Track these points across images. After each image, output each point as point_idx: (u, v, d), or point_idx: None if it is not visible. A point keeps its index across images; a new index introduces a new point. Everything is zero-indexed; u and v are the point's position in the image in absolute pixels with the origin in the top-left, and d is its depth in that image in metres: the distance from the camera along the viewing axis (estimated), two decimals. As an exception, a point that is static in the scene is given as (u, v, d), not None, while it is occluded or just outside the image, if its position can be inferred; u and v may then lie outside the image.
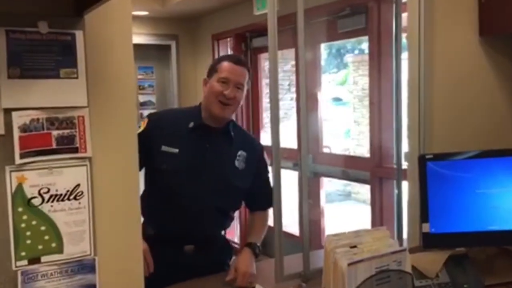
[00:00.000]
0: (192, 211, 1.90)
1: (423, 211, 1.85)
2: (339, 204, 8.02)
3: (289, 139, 4.20)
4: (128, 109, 1.43)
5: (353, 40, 8.15)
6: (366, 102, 5.99)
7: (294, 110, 5.18)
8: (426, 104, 2.01)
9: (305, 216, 1.88)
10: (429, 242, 1.85)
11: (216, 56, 5.23)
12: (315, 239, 4.14)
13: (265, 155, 2.10)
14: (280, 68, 6.33)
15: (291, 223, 4.00)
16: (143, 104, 5.63)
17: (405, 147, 2.18)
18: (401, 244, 2.04)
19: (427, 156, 1.85)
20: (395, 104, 2.24)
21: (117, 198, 1.42)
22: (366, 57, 4.22)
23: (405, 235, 2.20)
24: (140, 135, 1.91)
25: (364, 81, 7.48)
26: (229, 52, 5.16)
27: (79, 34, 1.32)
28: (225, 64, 1.92)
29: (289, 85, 6.24)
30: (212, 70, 1.95)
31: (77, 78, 1.32)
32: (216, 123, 1.94)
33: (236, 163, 1.96)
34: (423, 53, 1.98)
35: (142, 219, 1.54)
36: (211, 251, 1.98)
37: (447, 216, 1.85)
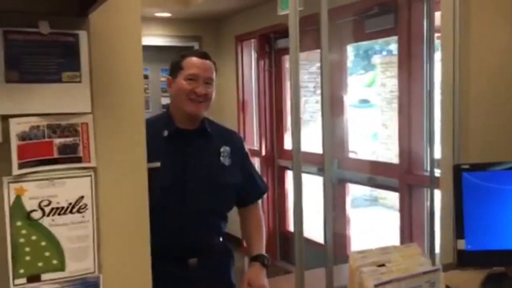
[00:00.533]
0: (189, 221, 1.81)
1: (458, 226, 1.71)
2: (366, 210, 7.81)
3: (314, 143, 4.06)
4: (136, 116, 1.33)
5: (380, 41, 7.96)
6: (394, 104, 5.80)
7: (320, 113, 5.00)
8: (461, 109, 1.88)
9: (329, 230, 1.75)
10: (464, 260, 1.71)
11: (240, 58, 5.14)
12: (340, 248, 3.99)
13: (246, 147, 2.02)
14: (305, 70, 6.15)
15: (315, 229, 3.87)
16: (165, 107, 5.57)
17: (437, 153, 2.04)
18: (434, 261, 1.90)
19: (463, 166, 1.71)
20: (428, 108, 2.10)
21: (124, 212, 1.32)
22: (394, 58, 4.05)
23: (437, 249, 2.05)
24: None
25: (392, 83, 7.27)
26: (253, 54, 5.06)
27: (83, 35, 1.22)
28: (191, 60, 1.81)
29: (314, 87, 6.11)
30: (177, 68, 1.83)
31: (80, 82, 1.22)
32: (190, 125, 1.84)
33: (222, 159, 1.87)
34: (458, 54, 1.86)
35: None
36: (213, 260, 1.89)
37: (485, 232, 1.71)
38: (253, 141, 5.15)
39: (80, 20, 1.21)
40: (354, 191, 7.08)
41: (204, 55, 1.84)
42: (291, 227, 4.72)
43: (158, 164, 1.74)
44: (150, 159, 1.75)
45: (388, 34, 3.48)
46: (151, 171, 1.73)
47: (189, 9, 4.73)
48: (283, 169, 4.70)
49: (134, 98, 1.32)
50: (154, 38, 5.18)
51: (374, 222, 6.82)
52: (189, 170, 1.81)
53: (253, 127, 5.13)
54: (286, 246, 4.72)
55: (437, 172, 2.07)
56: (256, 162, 5.00)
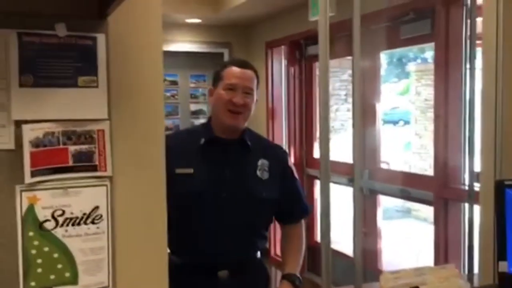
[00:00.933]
0: (221, 233, 1.74)
1: (500, 247, 1.58)
2: (398, 222, 7.59)
3: (344, 152, 3.94)
4: (155, 123, 1.27)
5: (415, 48, 7.76)
6: (429, 113, 5.62)
7: (351, 121, 4.88)
8: (504, 120, 1.75)
9: (358, 245, 1.64)
10: (507, 284, 1.57)
11: (270, 65, 5.07)
12: (371, 262, 3.85)
13: (290, 161, 1.94)
14: (336, 78, 6.06)
15: (346, 242, 3.74)
16: (194, 113, 5.54)
17: (476, 166, 1.91)
18: (472, 282, 1.77)
19: (507, 182, 1.58)
20: (467, 118, 1.96)
21: (140, 223, 1.26)
22: (430, 66, 3.91)
23: (476, 269, 1.91)
24: None
25: (427, 92, 7.07)
26: (283, 61, 4.99)
27: (101, 38, 1.17)
28: (231, 70, 1.77)
29: (346, 95, 5.99)
30: (217, 78, 1.80)
31: (97, 87, 1.17)
32: (229, 135, 1.79)
33: (258, 173, 1.79)
34: (502, 62, 1.72)
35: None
36: (246, 276, 1.81)
37: None
38: (282, 149, 5.06)
39: (98, 22, 1.16)
40: (386, 202, 6.90)
41: (244, 64, 1.80)
42: (319, 238, 4.60)
43: (190, 170, 1.72)
44: (184, 165, 1.74)
45: (424, 41, 3.34)
46: (183, 177, 1.72)
47: (219, 15, 4.69)
48: (312, 178, 4.59)
49: (153, 105, 1.26)
50: (184, 44, 5.16)
51: (406, 235, 6.61)
52: (223, 179, 1.75)
53: (282, 135, 5.04)
54: (314, 257, 4.60)
55: (476, 186, 1.94)
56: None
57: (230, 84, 1.74)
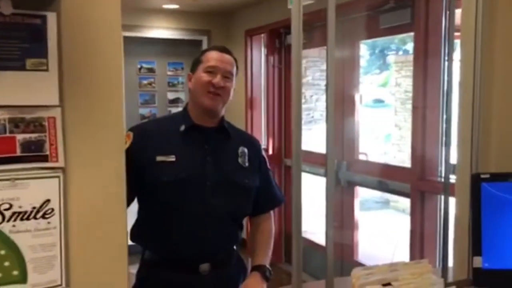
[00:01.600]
0: (205, 222, 1.68)
1: (475, 241, 1.55)
2: (376, 213, 7.61)
3: (322, 143, 3.89)
4: (114, 110, 1.18)
5: (397, 39, 7.73)
6: (409, 105, 5.60)
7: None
8: (483, 112, 1.71)
9: (329, 239, 1.58)
10: (481, 280, 1.55)
11: (249, 54, 4.98)
12: (347, 253, 3.83)
13: (263, 152, 1.90)
14: (317, 67, 5.97)
15: (321, 232, 3.71)
16: (172, 102, 5.43)
17: (453, 159, 1.87)
18: (446, 277, 1.73)
19: (483, 176, 1.54)
20: (445, 110, 1.92)
21: (97, 218, 1.18)
22: (410, 58, 3.86)
23: (451, 262, 1.87)
24: (127, 152, 1.69)
25: (407, 83, 7.07)
26: (263, 49, 4.91)
27: (51, 17, 1.07)
28: (211, 53, 1.76)
29: (326, 85, 5.92)
30: (197, 63, 1.77)
31: (47, 70, 1.08)
32: (208, 122, 1.74)
33: (239, 160, 1.76)
34: (480, 54, 1.69)
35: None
36: (227, 269, 1.76)
37: (505, 249, 1.56)
38: (261, 139, 5.00)
39: (48, 0, 1.06)
40: (365, 193, 6.90)
41: (224, 49, 1.77)
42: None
43: (173, 158, 1.67)
44: (166, 152, 1.68)
45: (403, 31, 3.30)
46: (165, 165, 1.66)
47: (198, 1, 4.58)
48: (290, 169, 4.53)
49: (112, 90, 1.17)
50: (162, 30, 5.04)
51: (384, 226, 6.62)
52: (206, 166, 1.70)
53: (261, 125, 4.97)
54: (291, 248, 4.56)
55: (453, 179, 1.90)
56: (263, 161, 4.85)
57: (210, 66, 1.71)
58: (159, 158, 1.66)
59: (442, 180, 1.99)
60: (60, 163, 1.11)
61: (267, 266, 1.76)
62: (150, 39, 4.94)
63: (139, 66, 5.10)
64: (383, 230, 6.29)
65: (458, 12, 1.84)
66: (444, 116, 1.92)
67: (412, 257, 3.08)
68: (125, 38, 5.17)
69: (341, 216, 3.85)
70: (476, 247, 1.55)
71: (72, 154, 1.13)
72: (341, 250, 3.86)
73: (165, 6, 4.85)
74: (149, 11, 4.95)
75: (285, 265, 4.56)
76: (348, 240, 3.82)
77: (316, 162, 3.55)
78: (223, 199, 1.68)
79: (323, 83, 6.01)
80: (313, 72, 5.93)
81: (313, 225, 3.55)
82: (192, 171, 1.67)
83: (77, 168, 1.14)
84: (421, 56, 2.96)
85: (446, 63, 1.93)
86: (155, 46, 4.99)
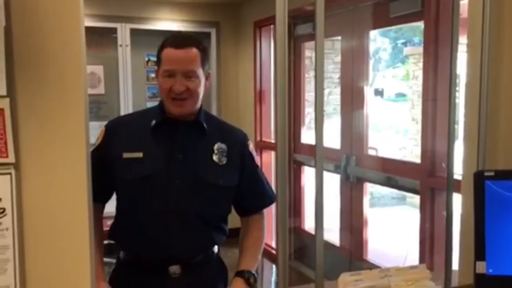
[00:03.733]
0: (172, 223, 1.59)
1: (478, 245, 1.43)
2: (392, 209, 7.44)
3: (335, 138, 3.77)
4: (74, 101, 1.08)
5: (419, 31, 7.47)
6: (425, 98, 5.42)
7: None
8: (490, 106, 1.60)
9: (319, 241, 1.46)
10: (485, 286, 1.41)
11: (258, 46, 4.86)
12: (356, 252, 3.70)
13: (251, 146, 1.75)
14: (330, 60, 5.80)
15: (330, 230, 3.59)
16: (180, 95, 5.36)
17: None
18: (449, 282, 1.61)
19: (487, 174, 1.41)
20: (449, 103, 1.79)
21: (55, 218, 1.08)
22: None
23: (455, 266, 1.75)
24: (99, 149, 1.60)
25: (424, 76, 6.86)
26: (272, 41, 4.78)
27: (-2, 0, 0.98)
28: (168, 52, 1.57)
29: (339, 78, 5.78)
30: (158, 58, 1.63)
31: (-7, 58, 0.99)
32: (182, 117, 1.63)
33: (215, 157, 1.64)
34: (488, 48, 1.58)
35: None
36: (201, 273, 1.66)
37: (510, 253, 1.39)
38: (270, 134, 4.89)
39: (-5, -21, 0.97)
40: (381, 189, 6.72)
41: (182, 43, 1.57)
42: (306, 226, 4.45)
43: (140, 154, 1.58)
44: (133, 149, 1.59)
45: (414, 19, 3.14)
46: (131, 162, 1.56)
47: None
48: (299, 164, 4.41)
49: (71, 79, 1.07)
50: (169, 22, 4.95)
51: (399, 223, 6.45)
52: (174, 163, 1.60)
53: (271, 119, 4.86)
54: (300, 245, 4.45)
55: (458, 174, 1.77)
56: (272, 156, 4.74)
57: (167, 70, 1.56)
58: (126, 155, 1.58)
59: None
60: (10, 159, 1.02)
61: (253, 271, 1.65)
62: (157, 32, 4.85)
63: (146, 59, 5.03)
64: (397, 227, 6.13)
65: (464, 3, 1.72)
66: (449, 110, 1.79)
67: (422, 257, 2.94)
68: (133, 30, 5.12)
69: (349, 213, 3.73)
70: (479, 251, 1.42)
71: (25, 149, 1.04)
72: (350, 248, 3.73)
73: (172, -2, 4.77)
74: (157, 3, 4.87)
75: (294, 262, 4.46)
76: (358, 238, 3.70)
77: (326, 157, 3.44)
78: (192, 200, 1.58)
79: (336, 76, 5.86)
80: (326, 65, 5.78)
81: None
82: (158, 169, 1.57)
83: (32, 165, 1.05)
84: (431, 46, 2.81)
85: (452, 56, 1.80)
86: (163, 38, 4.91)
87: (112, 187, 1.62)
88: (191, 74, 1.57)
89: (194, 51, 1.58)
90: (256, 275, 1.65)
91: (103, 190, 1.56)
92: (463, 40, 1.78)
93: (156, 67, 1.64)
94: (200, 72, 1.59)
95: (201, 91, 1.61)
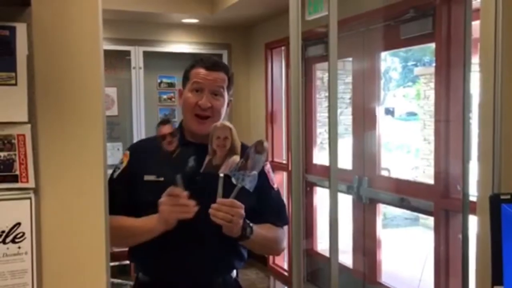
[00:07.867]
0: (192, 247, 1.59)
1: (496, 269, 1.39)
2: (405, 230, 7.35)
3: (347, 159, 3.76)
4: (93, 127, 1.10)
5: (429, 51, 7.50)
6: (437, 118, 5.40)
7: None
8: (504, 127, 1.58)
9: (334, 265, 1.45)
10: (503, 312, 1.38)
11: (270, 67, 4.91)
12: (370, 274, 3.66)
13: (269, 168, 1.75)
14: (341, 80, 5.85)
15: (342, 251, 3.55)
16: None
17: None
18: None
19: (503, 197, 1.39)
20: (463, 123, 1.79)
21: (73, 242, 1.09)
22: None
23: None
24: (124, 172, 1.61)
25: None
26: (283, 62, 4.82)
27: (21, 28, 1.01)
28: (198, 70, 1.64)
29: (350, 98, 5.79)
30: (185, 78, 1.67)
31: (15, 85, 1.01)
32: (201, 140, 1.63)
33: (233, 180, 1.61)
34: (501, 64, 1.58)
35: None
36: None
37: None
38: (282, 155, 4.89)
39: (18, 9, 1.00)
40: (393, 210, 6.66)
41: (212, 66, 1.64)
42: (318, 247, 4.42)
43: (161, 178, 1.59)
44: (154, 172, 1.61)
45: (425, 41, 3.15)
46: (152, 185, 1.59)
47: (215, 15, 4.54)
48: (311, 184, 4.40)
49: (89, 106, 1.10)
50: (181, 45, 5.02)
51: (412, 245, 6.37)
52: (194, 187, 1.58)
53: (282, 140, 4.87)
54: (313, 267, 4.41)
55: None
56: (283, 176, 4.73)
57: (196, 83, 1.61)
58: (147, 178, 1.59)
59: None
60: (30, 184, 1.04)
61: (251, 224, 1.58)
62: (170, 54, 4.93)
63: (159, 81, 5.09)
64: (410, 249, 6.04)
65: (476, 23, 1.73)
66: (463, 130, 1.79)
67: (437, 280, 2.89)
68: (145, 52, 5.19)
69: (362, 234, 3.69)
70: (496, 275, 1.40)
71: (45, 174, 1.06)
72: (363, 271, 3.69)
73: (185, 21, 4.84)
74: (169, 25, 4.95)
75: (307, 285, 4.41)
76: (371, 260, 3.66)
77: (338, 178, 3.42)
78: (212, 223, 1.57)
79: (347, 96, 5.87)
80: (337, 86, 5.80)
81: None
82: None
83: (51, 189, 1.07)
84: (443, 67, 2.81)
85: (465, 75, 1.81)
86: (175, 60, 4.98)
87: (136, 208, 1.63)
88: (217, 92, 1.61)
89: (223, 74, 1.64)
90: (253, 228, 1.57)
91: (124, 213, 1.58)
92: (475, 60, 1.79)
93: (180, 88, 1.68)
94: (225, 94, 1.64)
95: (223, 112, 1.64)
